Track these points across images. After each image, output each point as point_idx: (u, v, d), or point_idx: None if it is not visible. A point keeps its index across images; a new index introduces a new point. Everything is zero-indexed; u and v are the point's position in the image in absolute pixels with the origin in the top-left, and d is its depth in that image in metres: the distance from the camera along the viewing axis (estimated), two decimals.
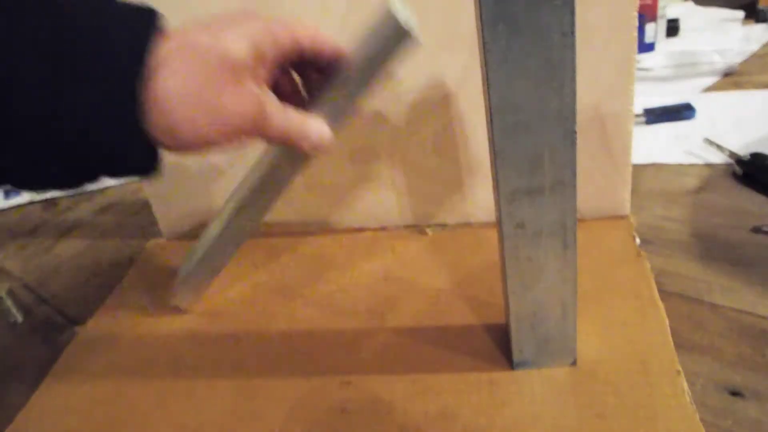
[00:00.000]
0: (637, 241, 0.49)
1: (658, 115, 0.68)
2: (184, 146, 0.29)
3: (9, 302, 0.54)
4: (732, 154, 0.57)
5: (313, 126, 0.33)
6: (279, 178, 0.39)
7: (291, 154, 0.37)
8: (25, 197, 0.84)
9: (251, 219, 0.42)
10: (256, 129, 0.30)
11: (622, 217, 0.52)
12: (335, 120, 0.35)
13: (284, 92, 0.35)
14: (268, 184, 0.39)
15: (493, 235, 0.39)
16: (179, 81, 0.27)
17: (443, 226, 0.56)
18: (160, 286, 0.54)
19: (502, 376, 0.39)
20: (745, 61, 0.79)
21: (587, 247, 0.48)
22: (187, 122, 0.28)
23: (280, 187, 0.40)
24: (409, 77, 0.49)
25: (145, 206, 0.69)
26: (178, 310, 0.51)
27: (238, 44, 0.29)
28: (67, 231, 0.71)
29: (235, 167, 0.58)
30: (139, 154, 0.28)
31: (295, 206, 0.59)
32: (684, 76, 0.79)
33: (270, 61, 0.31)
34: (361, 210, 0.57)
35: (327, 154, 0.30)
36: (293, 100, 0.35)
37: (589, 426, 0.35)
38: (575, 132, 0.30)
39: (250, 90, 0.29)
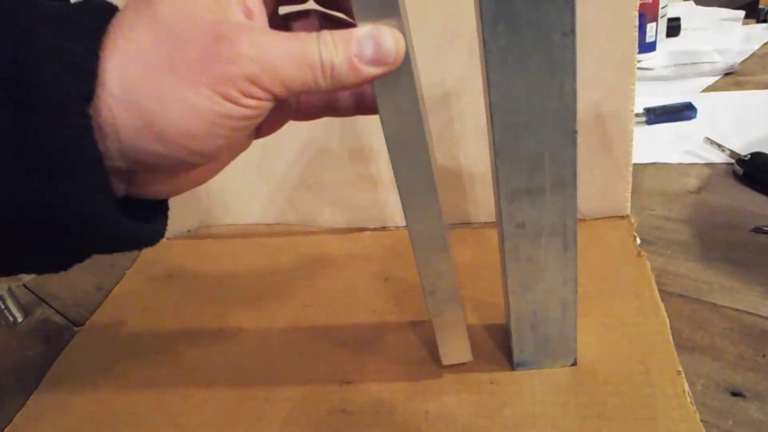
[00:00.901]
0: (638, 241, 0.49)
1: (658, 115, 0.68)
2: (176, 149, 0.22)
3: (9, 302, 0.53)
4: (733, 154, 0.57)
5: (374, 36, 0.24)
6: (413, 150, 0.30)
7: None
8: None
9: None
10: (290, 83, 0.23)
11: (623, 217, 0.52)
12: (391, 20, 0.25)
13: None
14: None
15: (493, 235, 0.38)
16: (137, 54, 0.21)
17: None
18: (159, 287, 0.54)
19: (502, 376, 0.39)
20: (746, 61, 0.79)
21: (587, 247, 0.48)
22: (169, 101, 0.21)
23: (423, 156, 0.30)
24: None
25: None
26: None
27: None
28: None
29: (235, 164, 0.58)
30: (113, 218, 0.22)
31: (295, 206, 0.59)
32: (685, 76, 0.78)
33: None
34: (361, 210, 0.57)
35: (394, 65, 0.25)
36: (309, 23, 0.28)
37: (589, 426, 0.35)
38: (575, 132, 0.30)
39: (246, 28, 0.22)
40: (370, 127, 0.52)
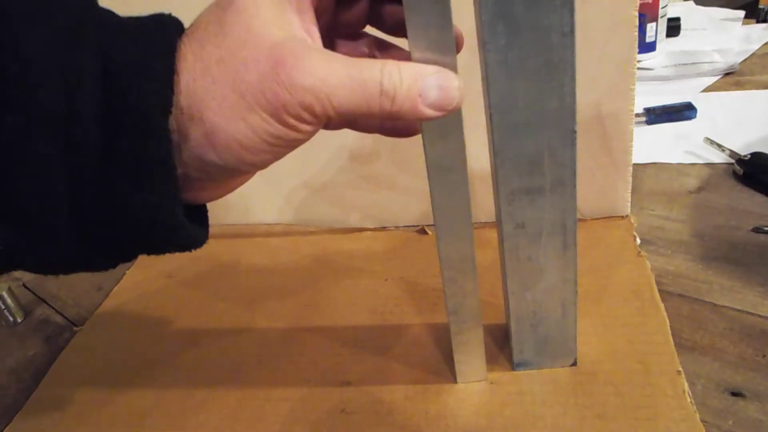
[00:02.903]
0: (638, 241, 0.49)
1: (658, 115, 0.68)
2: (232, 156, 0.23)
3: (9, 302, 0.53)
4: (732, 154, 0.57)
5: (438, 76, 0.24)
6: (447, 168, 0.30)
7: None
8: None
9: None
10: (342, 108, 0.23)
11: (623, 217, 0.52)
12: (444, 56, 0.25)
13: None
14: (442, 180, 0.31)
15: (493, 235, 0.39)
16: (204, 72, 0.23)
17: None
18: (159, 287, 0.54)
19: (502, 377, 0.39)
20: (746, 61, 0.79)
21: (587, 247, 0.48)
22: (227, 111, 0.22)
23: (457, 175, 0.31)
24: None
25: None
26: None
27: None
28: None
29: None
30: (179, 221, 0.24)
31: (295, 206, 0.59)
32: (684, 76, 0.78)
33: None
34: (361, 210, 0.57)
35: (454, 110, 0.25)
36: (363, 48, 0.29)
37: (589, 426, 0.35)
38: (575, 132, 0.30)
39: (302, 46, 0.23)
40: None
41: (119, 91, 0.21)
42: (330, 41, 0.29)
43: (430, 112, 0.24)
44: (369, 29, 0.30)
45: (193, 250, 0.26)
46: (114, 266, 0.26)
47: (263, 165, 0.25)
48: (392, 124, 0.30)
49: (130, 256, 0.26)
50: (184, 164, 0.23)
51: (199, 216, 0.27)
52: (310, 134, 0.24)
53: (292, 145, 0.24)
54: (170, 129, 0.22)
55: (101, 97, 0.21)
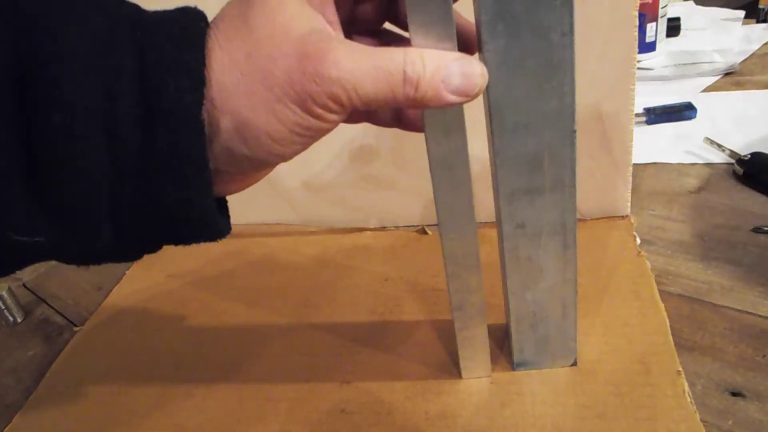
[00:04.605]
0: (638, 241, 0.49)
1: (658, 115, 0.68)
2: (262, 143, 0.24)
3: (9, 302, 0.53)
4: (732, 154, 0.57)
5: (459, 64, 0.25)
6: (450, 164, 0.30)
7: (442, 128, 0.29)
8: None
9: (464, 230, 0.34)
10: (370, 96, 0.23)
11: (623, 217, 0.52)
12: (445, 41, 0.25)
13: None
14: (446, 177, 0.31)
15: (493, 235, 0.39)
16: (231, 63, 0.23)
17: None
18: (159, 287, 0.54)
19: (502, 377, 0.39)
20: (746, 61, 0.79)
21: (587, 247, 0.48)
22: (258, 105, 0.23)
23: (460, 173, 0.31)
24: None
25: None
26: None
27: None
28: None
29: None
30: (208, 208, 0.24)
31: (295, 206, 0.59)
32: (685, 76, 0.78)
33: None
34: (361, 210, 0.57)
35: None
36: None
37: (589, 426, 0.35)
38: (575, 132, 0.30)
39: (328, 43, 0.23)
40: (370, 126, 0.52)
41: (155, 87, 0.22)
42: (348, 37, 0.29)
43: (453, 98, 0.25)
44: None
45: (218, 240, 0.27)
46: (140, 257, 0.27)
47: (291, 156, 0.25)
48: (412, 116, 0.31)
49: (158, 247, 0.27)
50: (215, 158, 0.24)
51: (221, 207, 0.28)
52: (336, 123, 0.25)
53: (318, 135, 0.25)
54: (203, 123, 0.23)
55: (138, 95, 0.22)
